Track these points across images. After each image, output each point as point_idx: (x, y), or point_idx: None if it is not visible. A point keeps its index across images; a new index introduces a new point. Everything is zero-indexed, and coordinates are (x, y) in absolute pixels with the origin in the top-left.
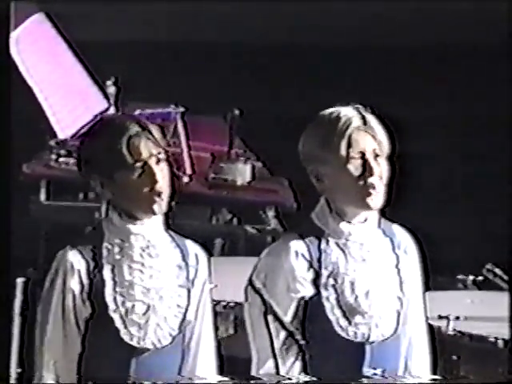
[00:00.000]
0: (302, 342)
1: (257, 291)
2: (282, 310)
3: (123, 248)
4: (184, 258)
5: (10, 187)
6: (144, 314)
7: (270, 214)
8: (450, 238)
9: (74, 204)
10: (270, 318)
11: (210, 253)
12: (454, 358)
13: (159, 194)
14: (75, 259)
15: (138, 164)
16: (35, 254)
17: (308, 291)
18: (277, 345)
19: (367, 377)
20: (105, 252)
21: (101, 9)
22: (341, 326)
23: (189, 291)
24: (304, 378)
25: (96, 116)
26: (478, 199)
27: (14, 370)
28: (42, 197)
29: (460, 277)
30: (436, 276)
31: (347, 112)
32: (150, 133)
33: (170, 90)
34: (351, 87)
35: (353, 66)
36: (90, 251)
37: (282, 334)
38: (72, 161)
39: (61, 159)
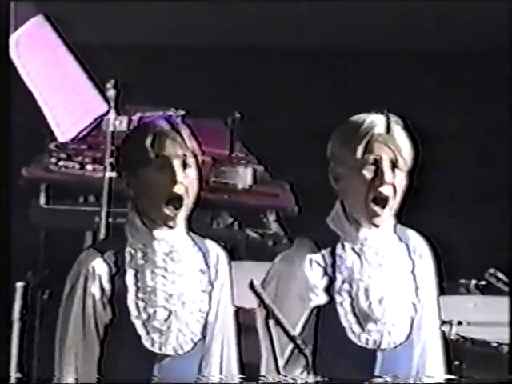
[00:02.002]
0: (307, 350)
1: (258, 295)
2: (291, 320)
3: (146, 253)
4: (206, 261)
5: (9, 191)
6: (166, 320)
7: (271, 218)
8: (453, 242)
9: (74, 208)
10: (271, 323)
11: (231, 255)
12: (457, 363)
13: (178, 203)
14: (97, 263)
15: (160, 159)
16: (35, 259)
17: (321, 299)
18: (280, 351)
19: (379, 376)
20: (128, 257)
21: (101, 11)
22: (353, 332)
23: (209, 294)
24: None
25: (96, 119)
26: (481, 203)
27: (13, 374)
28: (42, 201)
29: (463, 281)
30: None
31: (374, 118)
32: (179, 133)
33: (170, 93)
34: (355, 92)
35: (358, 69)
36: (112, 255)
37: (285, 341)
38: (72, 164)
39: (60, 163)
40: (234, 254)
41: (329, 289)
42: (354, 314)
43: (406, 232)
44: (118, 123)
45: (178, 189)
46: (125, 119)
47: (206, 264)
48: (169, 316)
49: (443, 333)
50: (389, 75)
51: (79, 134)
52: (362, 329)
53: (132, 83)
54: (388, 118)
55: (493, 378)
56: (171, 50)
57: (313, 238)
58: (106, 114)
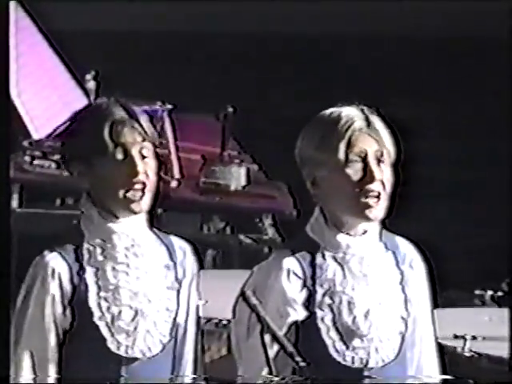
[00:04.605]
0: (303, 364)
1: (251, 307)
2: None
3: (105, 249)
4: (171, 256)
5: None
6: (132, 320)
7: (267, 222)
8: (467, 250)
9: (49, 211)
10: (266, 337)
11: (196, 249)
12: (471, 381)
13: (140, 190)
14: (55, 262)
15: (118, 150)
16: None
17: (300, 314)
18: (273, 367)
19: (369, 377)
20: (86, 254)
21: None
22: (337, 351)
23: (178, 292)
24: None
25: (74, 114)
26: (498, 211)
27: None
28: (15, 204)
29: (477, 292)
30: (451, 291)
31: (350, 112)
32: (138, 121)
33: (156, 86)
34: (354, 84)
35: (356, 61)
36: (71, 253)
37: (275, 347)
38: (47, 163)
39: (35, 162)
40: (199, 251)
41: (308, 303)
42: (337, 330)
43: (394, 239)
44: None
45: (139, 179)
46: None
47: (172, 260)
48: (135, 315)
49: (441, 348)
50: (391, 70)
51: (56, 130)
52: (347, 346)
53: (114, 74)
54: (363, 110)
55: (493, 378)
56: (158, 38)
57: (291, 247)
58: (86, 108)
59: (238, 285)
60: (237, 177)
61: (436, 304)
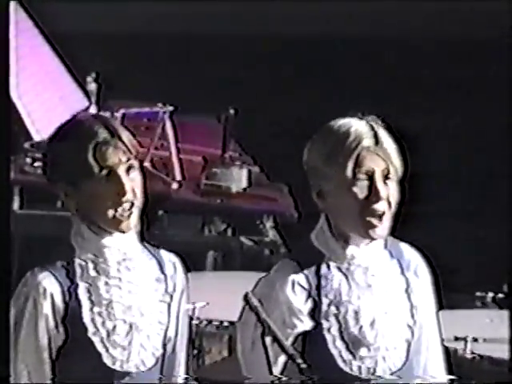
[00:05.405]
0: (304, 366)
1: (253, 309)
2: (275, 349)
3: (98, 263)
4: (162, 269)
5: None
6: (127, 334)
7: (268, 224)
8: (468, 252)
9: (50, 213)
10: (267, 339)
11: (185, 264)
12: (473, 383)
13: (128, 208)
14: (47, 282)
15: (104, 171)
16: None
17: (306, 325)
18: (276, 371)
19: (379, 376)
20: (78, 270)
21: None
22: (344, 360)
23: (168, 306)
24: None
25: (57, 129)
26: (498, 212)
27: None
28: (15, 205)
29: (479, 294)
30: (452, 293)
31: (358, 127)
32: (120, 139)
33: (157, 87)
34: (355, 87)
35: (357, 62)
36: (62, 271)
37: (282, 358)
38: None
39: (36, 163)
40: (187, 263)
41: (314, 313)
42: (343, 339)
43: (399, 246)
44: None
45: (127, 198)
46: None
47: (162, 273)
48: (129, 329)
49: (447, 352)
50: (395, 76)
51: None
52: (354, 356)
53: (115, 76)
54: (372, 126)
55: (495, 380)
56: (159, 40)
57: (296, 256)
58: (87, 109)
59: (239, 286)
60: (238, 178)
61: (441, 307)
